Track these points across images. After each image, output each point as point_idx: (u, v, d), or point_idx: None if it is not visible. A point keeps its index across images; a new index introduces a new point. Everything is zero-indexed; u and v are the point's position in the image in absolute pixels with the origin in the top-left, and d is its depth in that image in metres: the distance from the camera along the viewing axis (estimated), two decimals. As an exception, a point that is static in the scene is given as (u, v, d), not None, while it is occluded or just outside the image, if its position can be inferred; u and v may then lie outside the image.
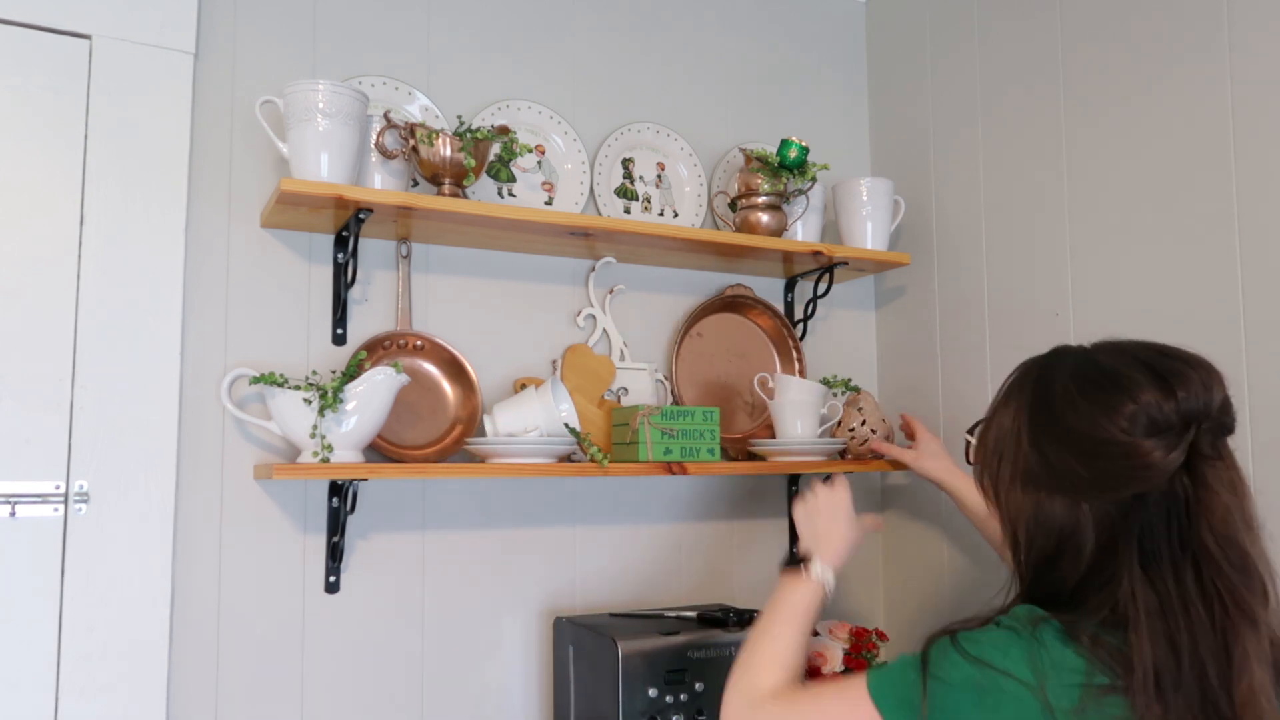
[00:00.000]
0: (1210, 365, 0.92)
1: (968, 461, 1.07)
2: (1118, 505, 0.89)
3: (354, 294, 1.68)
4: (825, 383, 1.92)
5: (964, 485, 1.64)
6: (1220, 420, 0.90)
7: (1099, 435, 0.89)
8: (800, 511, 1.40)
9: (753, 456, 1.90)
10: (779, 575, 1.30)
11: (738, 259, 1.92)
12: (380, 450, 1.62)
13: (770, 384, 1.91)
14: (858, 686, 0.97)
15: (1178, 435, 0.87)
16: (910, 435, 1.81)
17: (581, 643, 1.63)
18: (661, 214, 1.96)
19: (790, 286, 2.09)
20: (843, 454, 1.89)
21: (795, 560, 1.33)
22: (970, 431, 1.15)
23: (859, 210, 1.96)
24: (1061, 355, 1.00)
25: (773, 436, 1.89)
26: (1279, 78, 1.44)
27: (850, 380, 1.99)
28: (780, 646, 1.17)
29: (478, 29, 1.84)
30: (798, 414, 1.84)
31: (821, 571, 1.27)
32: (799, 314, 2.06)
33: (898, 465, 1.84)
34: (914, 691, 0.92)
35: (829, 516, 1.36)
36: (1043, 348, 1.05)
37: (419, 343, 1.70)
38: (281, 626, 1.59)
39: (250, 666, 1.56)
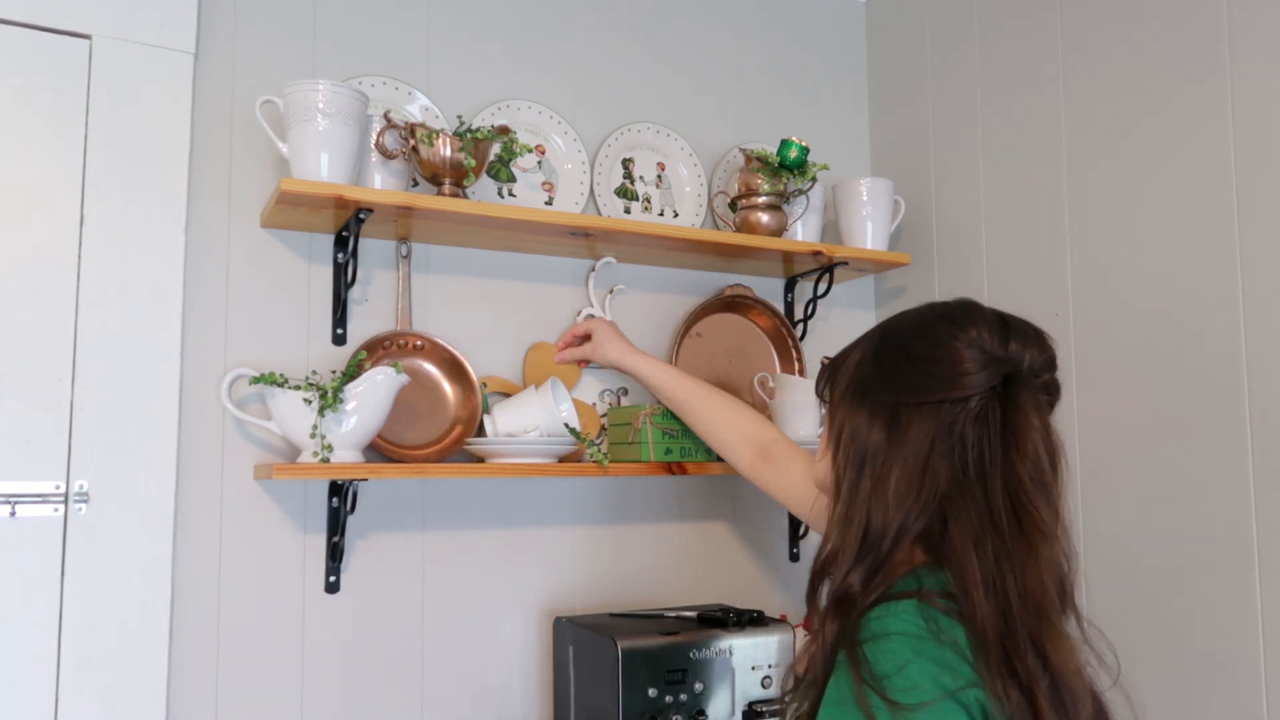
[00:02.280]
0: (1051, 342, 0.97)
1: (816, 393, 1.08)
2: (934, 417, 0.91)
3: (354, 294, 1.68)
4: None
5: (644, 365, 1.66)
6: (1044, 381, 0.95)
7: (932, 340, 0.94)
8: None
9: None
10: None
11: (738, 259, 1.92)
12: (380, 450, 1.62)
13: (770, 384, 1.91)
14: None
15: (999, 365, 0.92)
16: (586, 336, 1.75)
17: (581, 643, 1.63)
18: (661, 214, 1.96)
19: (790, 286, 2.09)
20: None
21: None
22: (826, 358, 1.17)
23: (859, 210, 1.96)
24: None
25: (773, 436, 1.89)
26: (1279, 75, 1.44)
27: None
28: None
29: (478, 29, 1.84)
30: (797, 414, 1.84)
31: None
32: (799, 314, 2.06)
33: (583, 364, 1.81)
34: None
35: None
36: None
37: (419, 343, 1.70)
38: (281, 626, 1.59)
39: (250, 666, 1.56)
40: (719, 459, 1.71)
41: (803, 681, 0.92)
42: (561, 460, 1.65)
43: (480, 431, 1.67)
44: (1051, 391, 0.98)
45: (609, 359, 1.69)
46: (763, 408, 1.95)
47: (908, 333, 0.98)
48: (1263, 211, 1.45)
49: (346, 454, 1.49)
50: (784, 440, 1.53)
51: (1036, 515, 0.89)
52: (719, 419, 1.59)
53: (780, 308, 2.06)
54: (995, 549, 0.87)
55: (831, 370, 1.04)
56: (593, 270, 1.87)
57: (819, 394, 1.06)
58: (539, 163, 1.85)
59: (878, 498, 0.91)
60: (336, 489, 1.60)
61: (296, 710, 1.59)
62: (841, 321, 2.13)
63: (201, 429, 1.55)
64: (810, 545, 2.05)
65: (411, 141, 1.60)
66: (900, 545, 0.91)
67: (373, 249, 1.70)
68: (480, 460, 1.63)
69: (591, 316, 1.83)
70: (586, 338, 1.74)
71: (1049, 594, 0.87)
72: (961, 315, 0.96)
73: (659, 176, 1.98)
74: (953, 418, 0.90)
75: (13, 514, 1.41)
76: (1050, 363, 0.97)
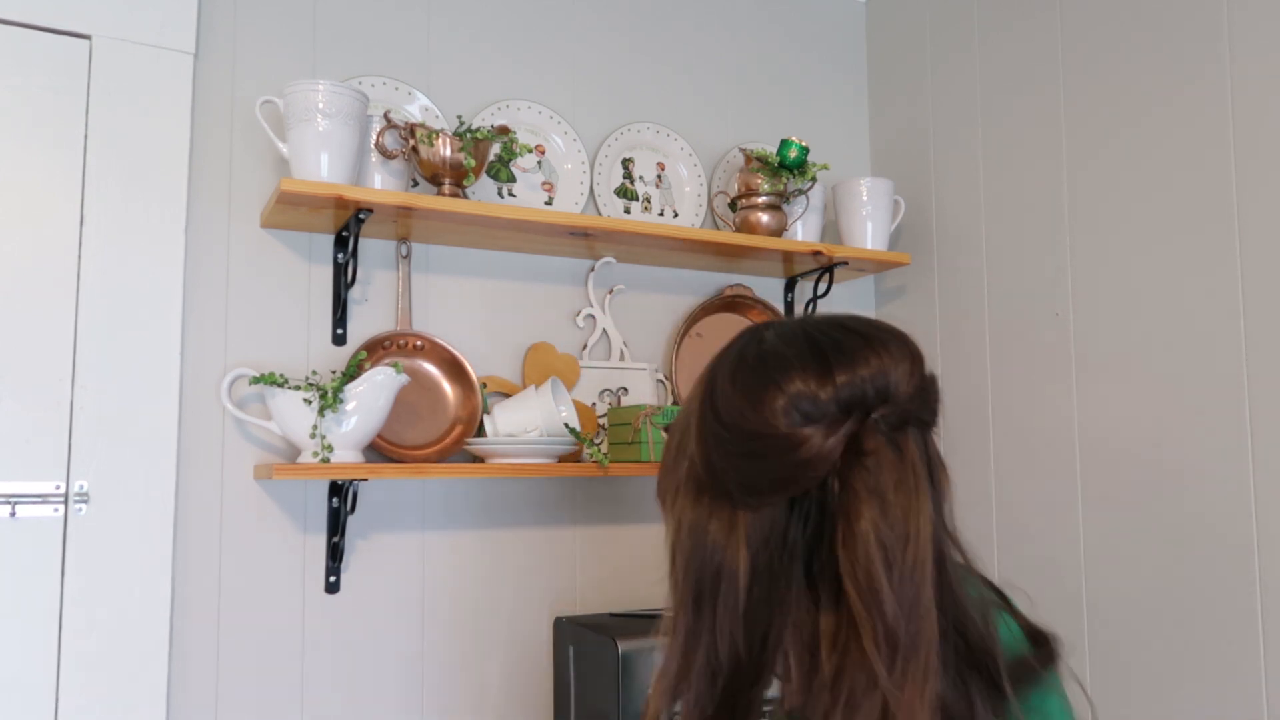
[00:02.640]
0: (904, 346, 0.75)
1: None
2: (772, 520, 0.72)
3: (354, 294, 1.68)
4: None
5: None
6: (904, 409, 0.71)
7: (748, 428, 0.72)
8: None
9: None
10: None
11: (738, 259, 1.92)
12: (380, 450, 1.62)
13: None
14: None
15: (835, 422, 0.70)
16: None
17: (581, 643, 1.63)
18: (661, 214, 1.96)
19: (790, 286, 2.09)
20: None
21: None
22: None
23: (859, 210, 1.96)
24: (741, 336, 0.81)
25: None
26: (1278, 74, 1.44)
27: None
28: None
29: (478, 29, 1.84)
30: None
31: None
32: (799, 314, 2.06)
33: None
34: None
35: None
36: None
37: (419, 343, 1.70)
38: (281, 626, 1.59)
39: (250, 666, 1.56)
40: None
41: None
42: (561, 460, 1.65)
43: (480, 431, 1.67)
44: (910, 418, 0.72)
45: None
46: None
47: (722, 401, 0.76)
48: (1262, 211, 1.45)
49: (346, 454, 1.49)
50: None
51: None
52: None
53: (780, 308, 2.06)
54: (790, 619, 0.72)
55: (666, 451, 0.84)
56: (592, 270, 1.87)
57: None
58: (539, 163, 1.85)
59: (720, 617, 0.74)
60: (336, 489, 1.60)
61: (296, 710, 1.59)
62: (841, 321, 2.13)
63: (201, 429, 1.55)
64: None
65: (411, 141, 1.60)
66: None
67: (373, 249, 1.70)
68: (480, 460, 1.63)
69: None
70: None
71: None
72: (761, 374, 0.74)
73: (659, 176, 1.98)
74: (799, 510, 0.72)
75: (13, 514, 1.41)
76: (920, 393, 0.74)
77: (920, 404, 0.73)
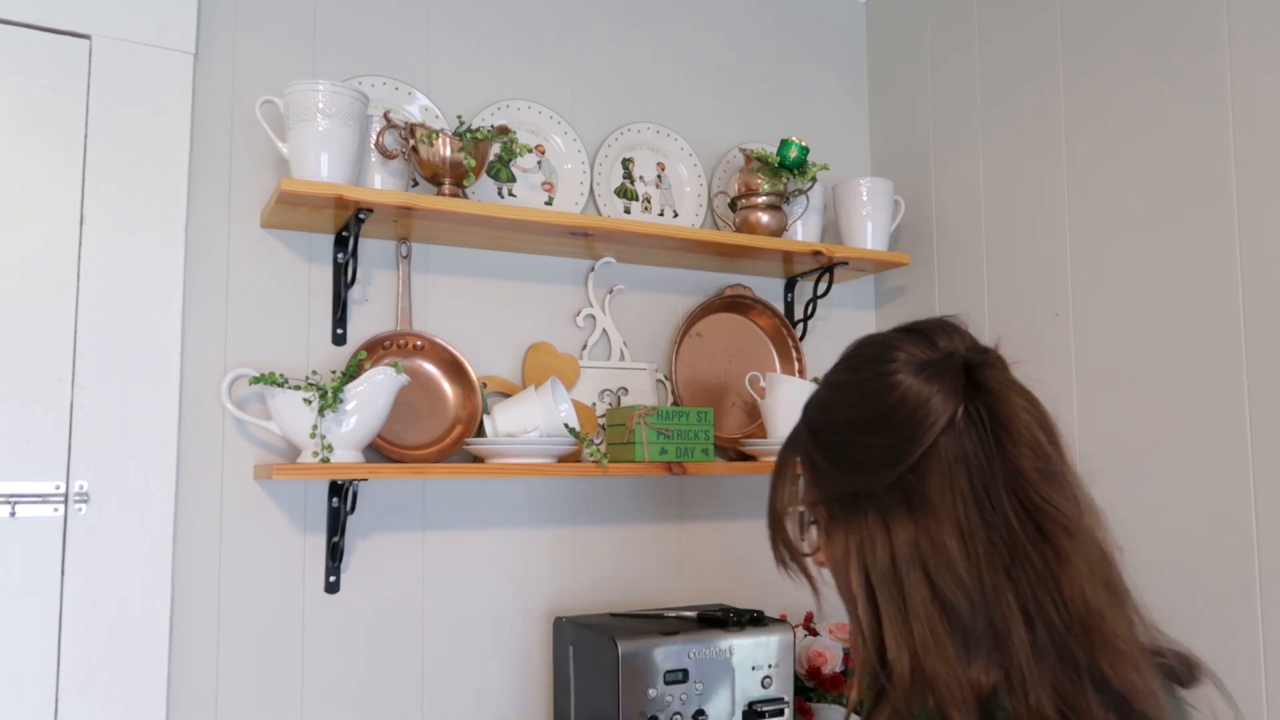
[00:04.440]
0: (962, 323, 0.85)
1: (781, 563, 0.90)
2: (935, 470, 0.76)
3: (354, 294, 1.68)
4: (817, 382, 1.91)
5: None
6: (986, 355, 0.81)
7: (875, 394, 0.79)
8: None
9: (747, 456, 1.91)
10: None
11: (738, 259, 1.92)
12: (380, 450, 1.62)
13: (761, 383, 1.91)
14: None
15: (945, 363, 0.78)
16: None
17: (581, 643, 1.63)
18: (661, 214, 1.96)
19: (790, 286, 2.09)
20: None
21: None
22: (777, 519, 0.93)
23: (859, 210, 1.96)
24: (814, 390, 0.91)
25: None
26: (1278, 76, 1.44)
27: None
28: None
29: (478, 29, 1.84)
30: (789, 413, 1.84)
31: None
32: (799, 314, 2.06)
33: None
34: None
35: None
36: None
37: (419, 343, 1.70)
38: (281, 626, 1.59)
39: (250, 666, 1.56)
40: (713, 459, 1.71)
41: None
42: (561, 460, 1.65)
43: (480, 431, 1.67)
44: (1003, 364, 0.82)
45: None
46: (754, 407, 1.95)
47: (835, 402, 0.83)
48: (1263, 211, 1.45)
49: (346, 454, 1.49)
50: None
51: (1055, 512, 0.74)
52: None
53: (780, 308, 2.06)
54: (1026, 574, 0.73)
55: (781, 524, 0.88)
56: (592, 270, 1.87)
57: (778, 556, 0.89)
58: (539, 163, 1.85)
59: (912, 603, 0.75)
60: (336, 489, 1.60)
61: (296, 710, 1.59)
62: (841, 321, 2.13)
63: (201, 429, 1.55)
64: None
65: (411, 141, 1.60)
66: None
67: (373, 249, 1.70)
68: (480, 460, 1.63)
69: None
70: None
71: (1094, 606, 0.73)
72: (868, 355, 0.83)
73: (659, 176, 1.98)
74: (954, 449, 0.76)
75: (13, 514, 1.41)
76: (976, 342, 0.83)
77: (998, 353, 0.82)
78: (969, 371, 0.78)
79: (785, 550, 0.89)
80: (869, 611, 0.77)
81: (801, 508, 0.87)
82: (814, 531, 0.87)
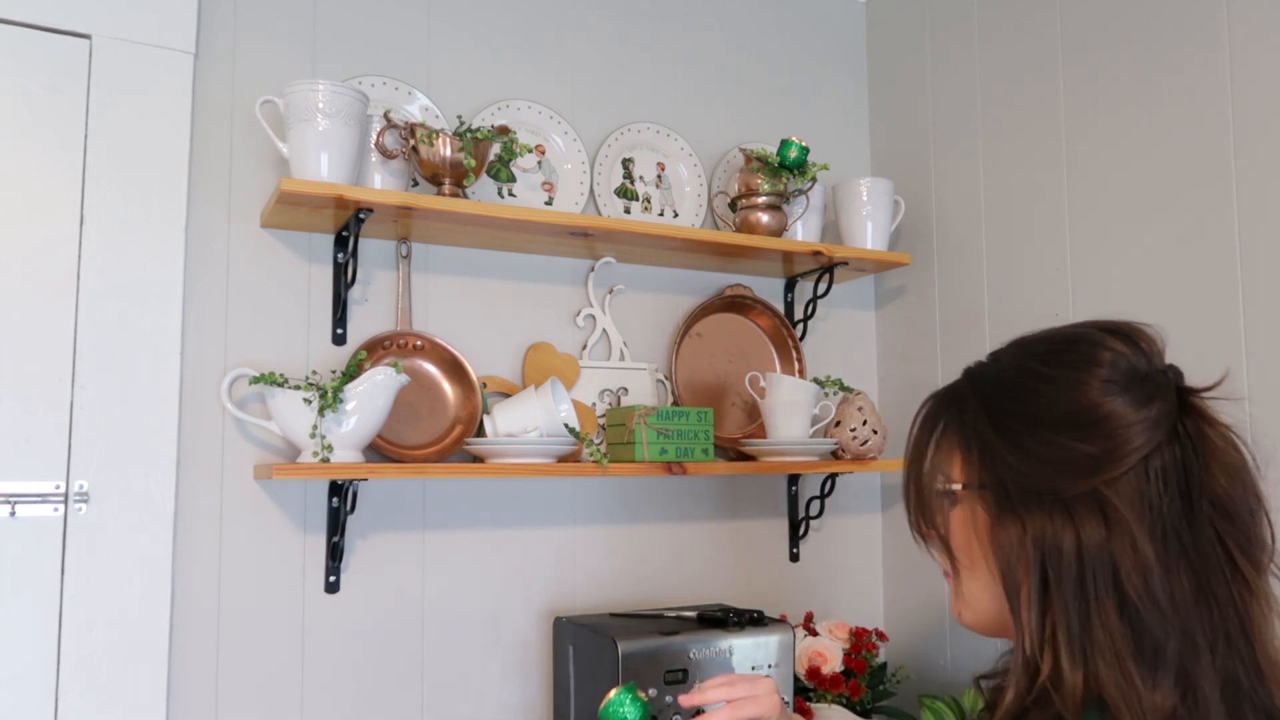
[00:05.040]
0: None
1: (921, 533, 0.85)
2: (1135, 482, 0.72)
3: (354, 294, 1.68)
4: (818, 383, 1.91)
5: None
6: (1178, 371, 0.78)
7: (1085, 400, 0.74)
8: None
9: (747, 456, 1.91)
10: None
11: (738, 259, 1.92)
12: (380, 450, 1.62)
13: (761, 383, 1.91)
14: None
15: (1159, 381, 0.75)
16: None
17: (581, 643, 1.63)
18: (661, 214, 1.96)
19: (790, 286, 2.09)
20: (836, 454, 1.89)
21: None
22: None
23: (859, 210, 1.96)
24: (982, 365, 0.84)
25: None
26: (1278, 75, 1.44)
27: (843, 380, 1.99)
28: None
29: (478, 29, 1.84)
30: (788, 414, 1.84)
31: None
32: (799, 314, 2.06)
33: None
34: None
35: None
36: None
37: (419, 343, 1.70)
38: (281, 626, 1.59)
39: (250, 666, 1.56)
40: (713, 459, 1.71)
41: None
42: (561, 460, 1.65)
43: (480, 431, 1.67)
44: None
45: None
46: (754, 407, 1.95)
47: (1033, 391, 0.77)
48: (1262, 211, 1.45)
49: (346, 454, 1.49)
50: None
51: (1251, 547, 0.72)
52: None
53: (780, 308, 2.06)
54: (1217, 606, 0.70)
55: (933, 500, 0.82)
56: (592, 270, 1.87)
57: (927, 525, 0.83)
58: (539, 163, 1.85)
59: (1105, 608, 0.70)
60: (336, 489, 1.60)
61: (296, 710, 1.59)
62: (841, 322, 2.14)
63: (201, 429, 1.55)
64: (810, 546, 2.05)
65: (411, 141, 1.60)
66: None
67: (373, 249, 1.70)
68: (480, 460, 1.63)
69: (753, 676, 1.15)
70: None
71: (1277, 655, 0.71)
72: (1074, 346, 0.77)
73: (659, 176, 1.98)
74: (1156, 465, 0.72)
75: (13, 514, 1.41)
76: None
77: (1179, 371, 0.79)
78: (1180, 392, 0.75)
79: (926, 524, 0.84)
80: (1037, 611, 0.72)
81: (955, 485, 0.80)
82: (949, 508, 0.81)
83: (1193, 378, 0.80)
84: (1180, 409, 0.74)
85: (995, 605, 0.78)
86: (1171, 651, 0.69)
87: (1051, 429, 0.74)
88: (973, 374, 0.83)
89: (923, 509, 0.83)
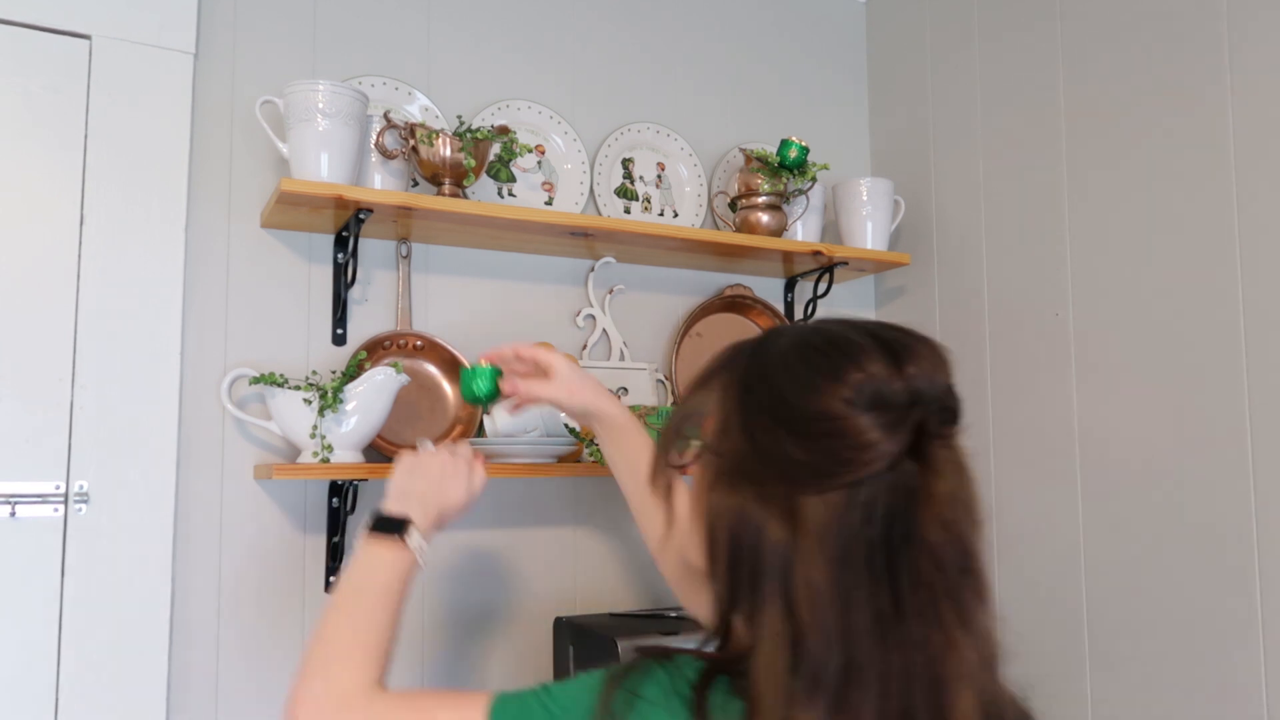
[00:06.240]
0: (940, 348, 0.78)
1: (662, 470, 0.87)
2: (834, 503, 0.72)
3: (354, 294, 1.68)
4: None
5: (618, 408, 1.29)
6: (947, 405, 0.75)
7: (817, 407, 0.73)
8: (402, 465, 1.14)
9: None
10: (361, 538, 1.08)
11: (738, 259, 1.92)
12: (380, 450, 1.62)
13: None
14: (477, 705, 0.81)
15: (902, 414, 0.72)
16: (532, 371, 1.31)
17: (581, 643, 1.63)
18: (661, 214, 1.96)
19: (790, 286, 2.09)
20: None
21: (384, 524, 1.07)
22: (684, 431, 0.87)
23: (859, 210, 1.96)
24: (779, 330, 0.83)
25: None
26: (1278, 77, 1.44)
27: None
28: (370, 632, 0.99)
29: (478, 29, 1.84)
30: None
31: (419, 540, 1.06)
32: (799, 314, 2.06)
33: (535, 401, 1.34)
34: None
35: (438, 476, 1.12)
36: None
37: (419, 343, 1.70)
38: (281, 626, 1.59)
39: (250, 666, 1.56)
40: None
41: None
42: (561, 460, 1.65)
43: (480, 431, 1.67)
44: (957, 417, 0.76)
45: (583, 404, 1.28)
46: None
47: (782, 379, 0.76)
48: (1262, 211, 1.45)
49: (346, 454, 1.49)
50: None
51: (955, 599, 0.71)
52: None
53: (780, 308, 2.06)
54: (902, 650, 0.70)
55: (679, 438, 0.84)
56: (592, 270, 1.87)
57: (669, 463, 0.85)
58: (539, 163, 1.85)
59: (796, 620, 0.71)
60: (336, 489, 1.60)
61: (296, 710, 1.58)
62: (841, 321, 2.13)
63: (201, 429, 1.55)
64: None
65: (411, 141, 1.60)
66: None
67: (373, 249, 1.70)
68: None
69: (543, 344, 1.41)
70: (537, 368, 1.32)
71: (963, 715, 0.70)
72: (836, 352, 0.75)
73: (659, 176, 1.98)
74: (864, 496, 0.71)
75: (13, 514, 1.41)
76: (952, 391, 0.76)
77: (956, 402, 0.76)
78: (919, 433, 0.72)
79: (668, 469, 0.86)
80: (723, 583, 0.76)
81: (696, 443, 0.82)
82: (692, 458, 0.83)
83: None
84: (913, 451, 0.72)
85: (698, 560, 0.81)
86: (831, 675, 0.69)
87: (777, 423, 0.75)
88: (761, 342, 0.82)
89: (667, 450, 0.86)
